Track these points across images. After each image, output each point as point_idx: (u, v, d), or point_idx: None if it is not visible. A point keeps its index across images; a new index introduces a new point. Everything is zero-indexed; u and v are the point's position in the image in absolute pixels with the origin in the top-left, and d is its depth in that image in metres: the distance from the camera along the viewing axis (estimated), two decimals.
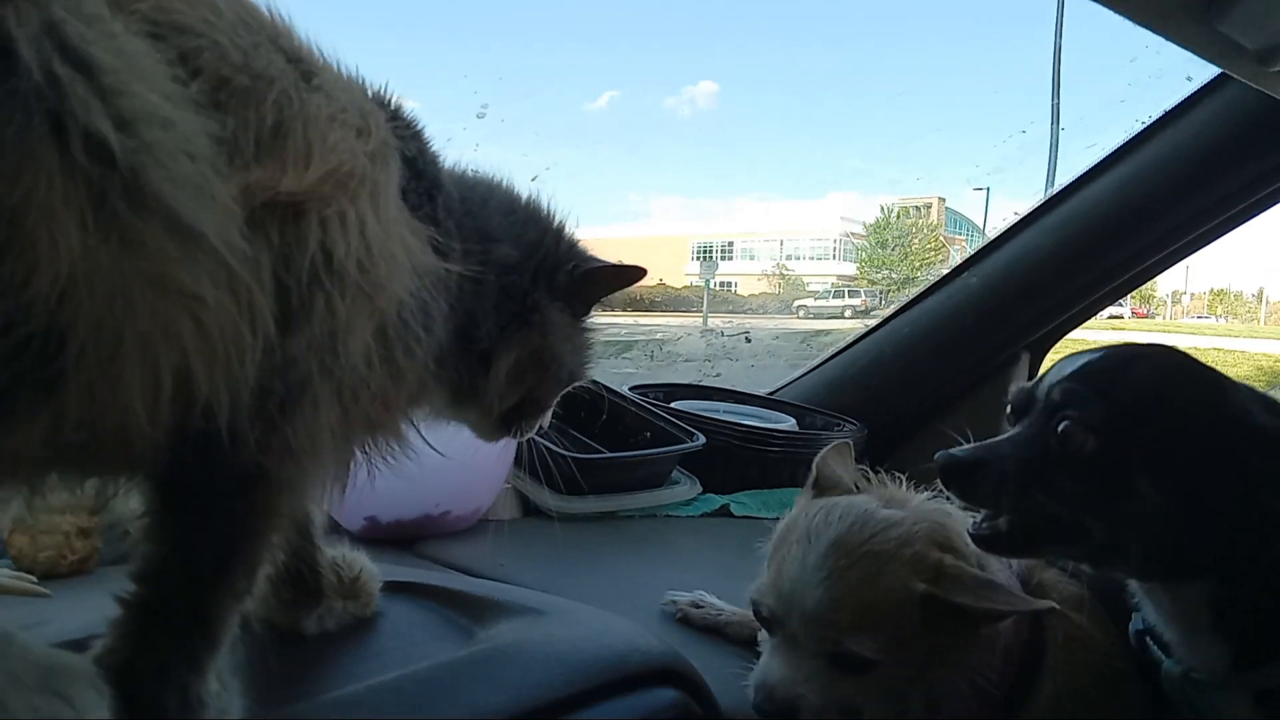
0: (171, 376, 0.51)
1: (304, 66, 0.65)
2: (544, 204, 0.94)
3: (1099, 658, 0.91)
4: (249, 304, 0.54)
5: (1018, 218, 1.75)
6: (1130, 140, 1.56)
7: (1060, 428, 0.79)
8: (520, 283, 0.87)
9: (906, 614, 0.84)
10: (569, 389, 0.98)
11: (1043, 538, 0.83)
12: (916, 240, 9.03)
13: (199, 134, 0.52)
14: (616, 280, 0.96)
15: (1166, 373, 0.83)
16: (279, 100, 0.59)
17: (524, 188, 0.94)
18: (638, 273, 0.96)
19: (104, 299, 0.46)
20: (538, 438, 1.05)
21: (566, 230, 0.94)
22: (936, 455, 0.85)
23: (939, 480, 0.85)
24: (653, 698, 0.83)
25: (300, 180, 0.59)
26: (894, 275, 8.92)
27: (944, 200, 9.39)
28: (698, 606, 1.16)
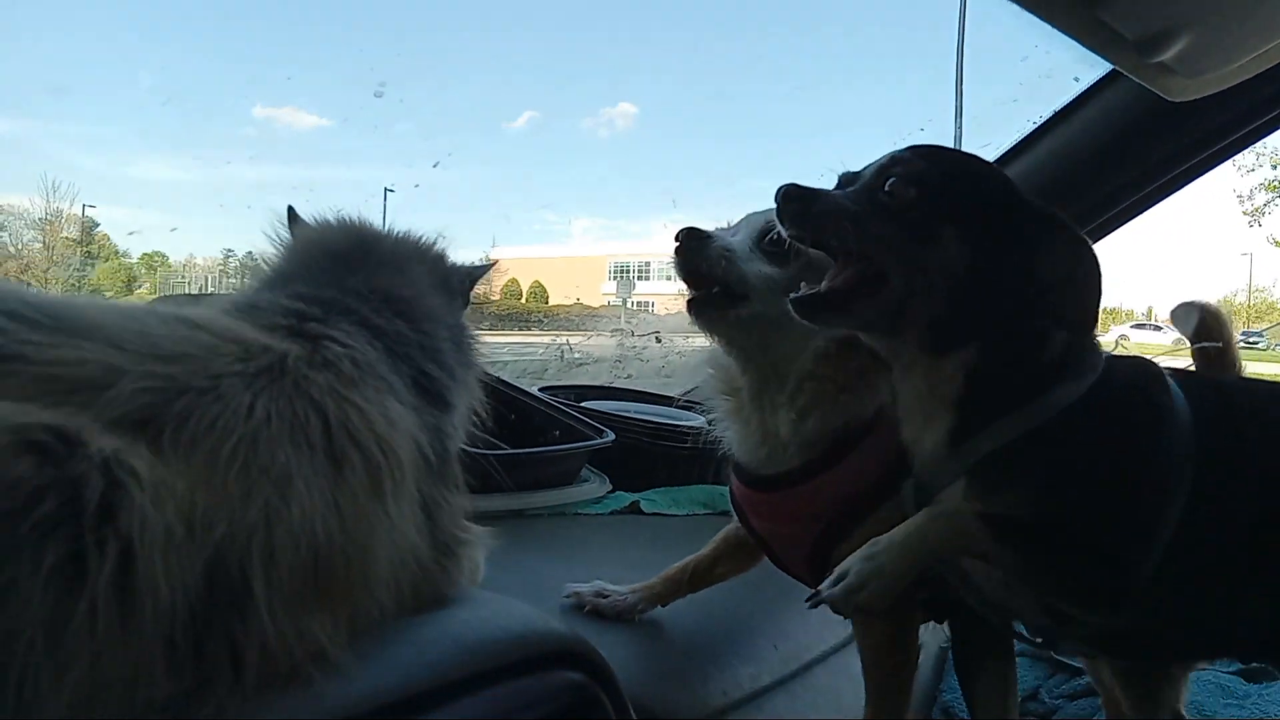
0: None
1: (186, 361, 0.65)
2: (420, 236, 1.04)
3: None
4: None
5: None
6: (1024, 139, 1.61)
7: (888, 183, 0.92)
8: (459, 325, 0.99)
9: None
10: None
11: (853, 296, 0.93)
12: None
13: None
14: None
15: (973, 158, 1.00)
16: None
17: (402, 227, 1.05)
18: None
19: None
20: None
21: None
22: (779, 187, 0.94)
23: (777, 206, 0.94)
24: (553, 679, 0.80)
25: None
26: None
27: None
28: (603, 596, 1.15)
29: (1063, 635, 1.00)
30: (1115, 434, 0.92)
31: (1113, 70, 1.42)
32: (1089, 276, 0.90)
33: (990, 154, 1.65)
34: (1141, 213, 1.64)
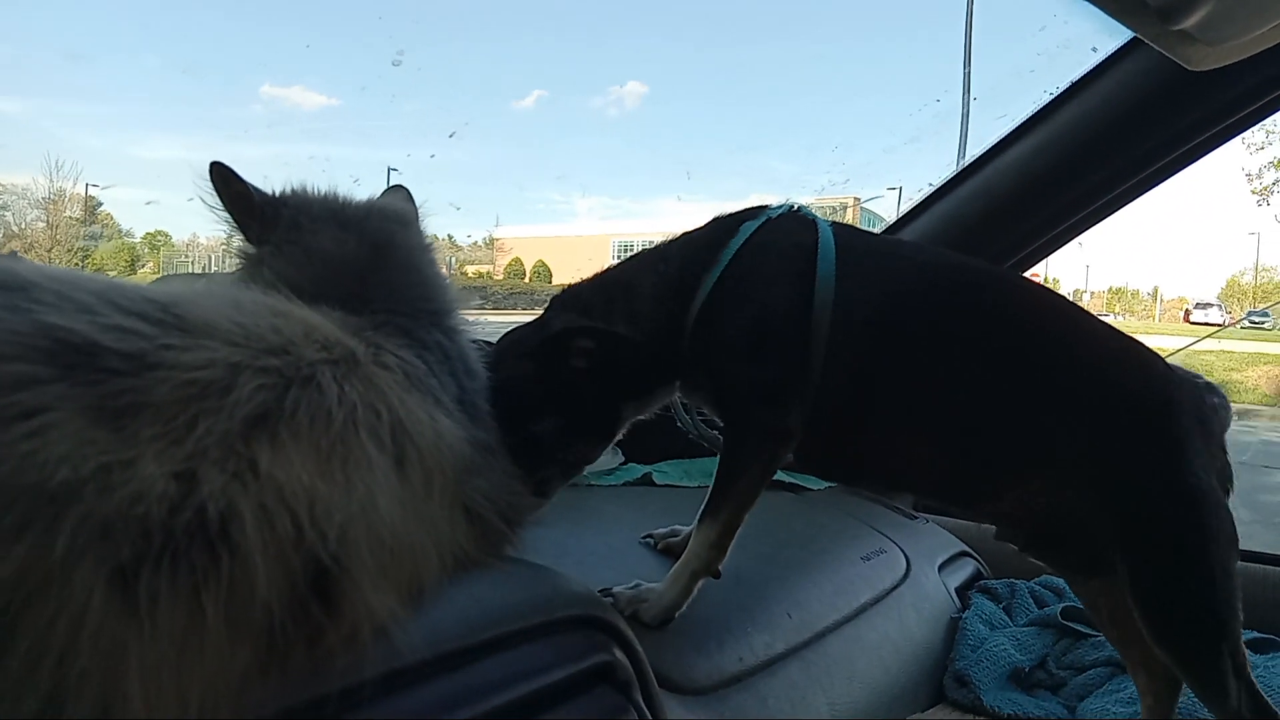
0: None
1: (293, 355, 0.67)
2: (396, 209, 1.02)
3: None
4: None
5: (932, 188, 1.79)
6: (1040, 110, 1.60)
7: None
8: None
9: None
10: None
11: None
12: None
13: None
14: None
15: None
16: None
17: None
18: None
19: None
20: None
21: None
22: None
23: None
24: (576, 641, 0.81)
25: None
26: None
27: (859, 200, 9.63)
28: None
29: None
30: (743, 290, 1.06)
31: (1131, 40, 1.41)
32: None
33: (1006, 125, 1.65)
34: (1154, 186, 1.63)
